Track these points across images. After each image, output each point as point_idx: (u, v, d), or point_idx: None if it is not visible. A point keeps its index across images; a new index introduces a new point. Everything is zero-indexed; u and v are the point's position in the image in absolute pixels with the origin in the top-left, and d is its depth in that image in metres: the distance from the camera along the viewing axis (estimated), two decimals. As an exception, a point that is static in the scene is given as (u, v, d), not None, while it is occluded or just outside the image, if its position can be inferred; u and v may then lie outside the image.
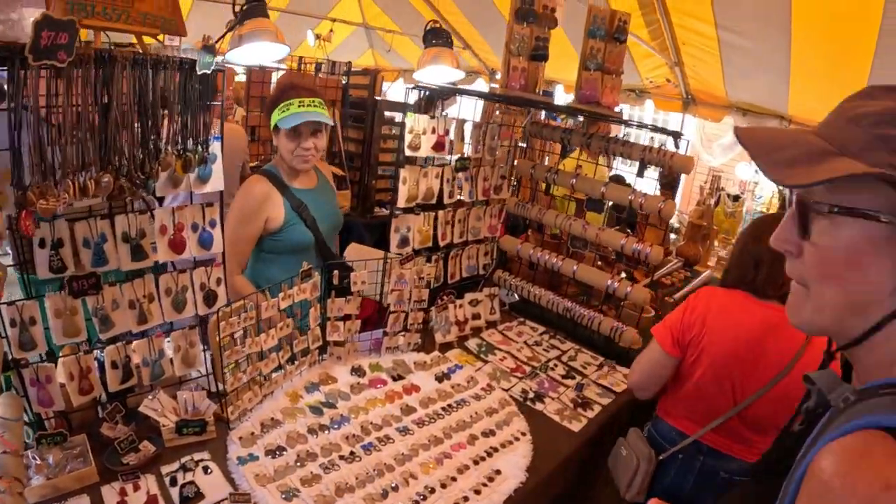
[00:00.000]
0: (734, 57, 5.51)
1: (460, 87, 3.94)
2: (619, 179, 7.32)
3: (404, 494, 1.94)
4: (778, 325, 2.03)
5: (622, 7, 5.76)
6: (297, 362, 2.45)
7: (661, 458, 2.28)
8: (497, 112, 4.00)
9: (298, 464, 1.99)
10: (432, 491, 1.97)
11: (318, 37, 5.12)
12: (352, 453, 2.09)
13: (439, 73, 3.75)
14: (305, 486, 1.89)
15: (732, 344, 2.10)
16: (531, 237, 3.47)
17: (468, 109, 3.05)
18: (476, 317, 3.07)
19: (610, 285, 2.83)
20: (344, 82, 4.38)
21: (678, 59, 6.03)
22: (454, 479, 2.05)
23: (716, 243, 6.34)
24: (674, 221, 6.61)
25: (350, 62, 5.00)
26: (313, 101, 2.53)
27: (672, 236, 5.46)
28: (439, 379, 2.63)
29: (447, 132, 2.77)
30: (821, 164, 0.79)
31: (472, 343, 2.97)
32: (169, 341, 2.16)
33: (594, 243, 2.93)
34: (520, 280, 3.26)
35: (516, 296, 3.39)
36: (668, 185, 4.64)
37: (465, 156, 2.91)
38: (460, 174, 2.91)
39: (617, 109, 7.21)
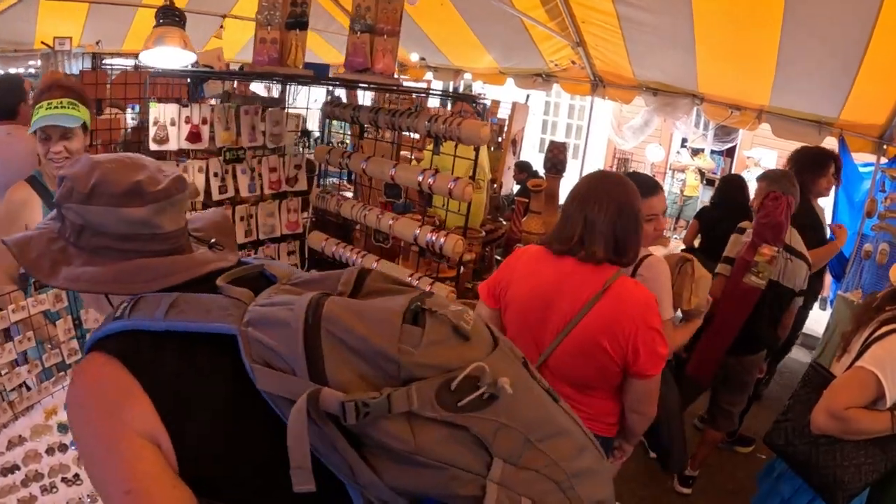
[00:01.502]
0: (636, 33, 5.17)
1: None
2: (524, 167, 7.22)
3: (106, 524, 1.81)
4: (570, 275, 1.97)
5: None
6: (54, 377, 2.30)
7: None
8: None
9: (24, 484, 1.89)
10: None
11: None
12: (76, 475, 1.95)
13: (169, 56, 3.13)
14: (20, 507, 1.78)
15: (528, 294, 2.05)
16: (358, 233, 3.16)
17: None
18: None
19: (410, 282, 2.48)
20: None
21: (580, 39, 5.70)
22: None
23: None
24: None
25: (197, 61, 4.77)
26: (61, 102, 2.38)
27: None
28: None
29: (205, 121, 2.43)
30: None
31: None
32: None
33: (393, 236, 2.62)
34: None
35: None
36: (555, 168, 4.50)
37: (239, 146, 2.58)
38: (235, 167, 2.58)
39: (527, 94, 7.22)
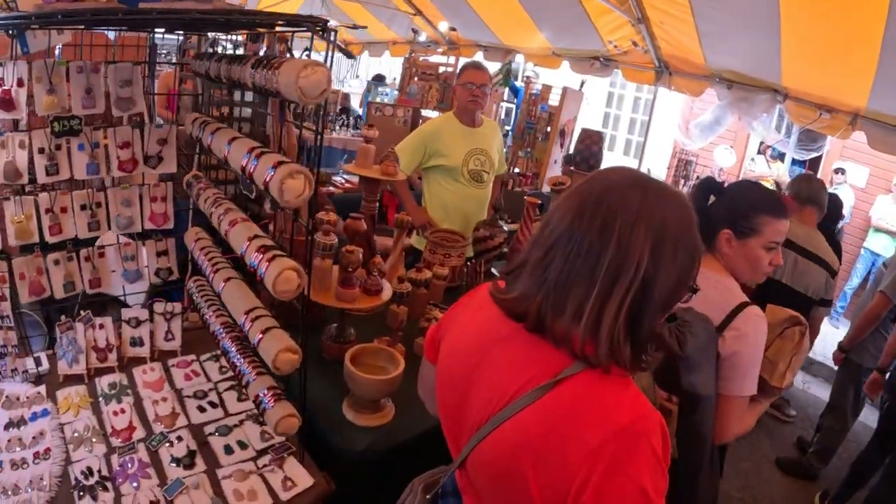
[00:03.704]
0: (708, 10, 4.13)
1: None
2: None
3: None
4: (503, 341, 1.07)
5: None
6: None
7: (427, 497, 1.36)
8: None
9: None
10: None
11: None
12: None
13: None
14: None
15: (450, 358, 1.19)
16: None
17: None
18: (137, 342, 1.98)
19: (244, 321, 1.54)
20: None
21: (642, 15, 4.67)
22: None
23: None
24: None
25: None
26: None
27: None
28: (7, 427, 1.66)
29: (21, 82, 1.67)
30: None
31: (107, 380, 1.87)
32: None
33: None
34: (205, 294, 2.02)
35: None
36: (585, 162, 3.51)
37: (72, 114, 1.79)
38: (70, 140, 1.80)
39: (582, 80, 6.15)
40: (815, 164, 7.20)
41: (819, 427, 3.90)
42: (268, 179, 1.31)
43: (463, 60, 6.45)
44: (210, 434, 1.69)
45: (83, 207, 1.90)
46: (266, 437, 1.69)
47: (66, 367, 1.89)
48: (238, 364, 1.62)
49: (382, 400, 1.78)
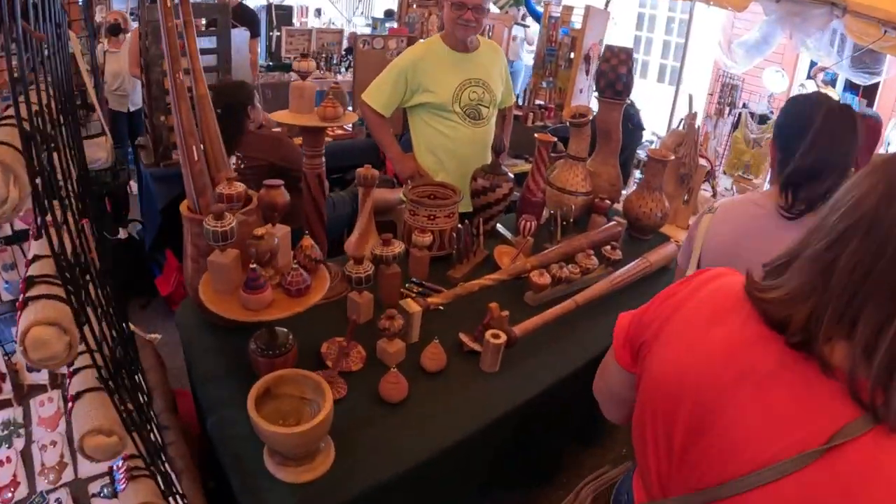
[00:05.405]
0: None
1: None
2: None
3: None
4: (761, 378, 0.79)
5: None
6: None
7: None
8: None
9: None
10: None
11: None
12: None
13: None
14: None
15: (671, 380, 0.90)
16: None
17: None
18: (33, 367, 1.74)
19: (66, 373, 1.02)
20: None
21: None
22: None
23: (725, 187, 4.55)
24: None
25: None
26: None
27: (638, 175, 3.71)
28: None
29: None
30: None
31: (1, 417, 1.46)
32: None
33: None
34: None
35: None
36: (611, 88, 2.80)
37: None
38: None
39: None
40: (870, 92, 6.09)
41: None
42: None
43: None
44: (94, 495, 1.32)
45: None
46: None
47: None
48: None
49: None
